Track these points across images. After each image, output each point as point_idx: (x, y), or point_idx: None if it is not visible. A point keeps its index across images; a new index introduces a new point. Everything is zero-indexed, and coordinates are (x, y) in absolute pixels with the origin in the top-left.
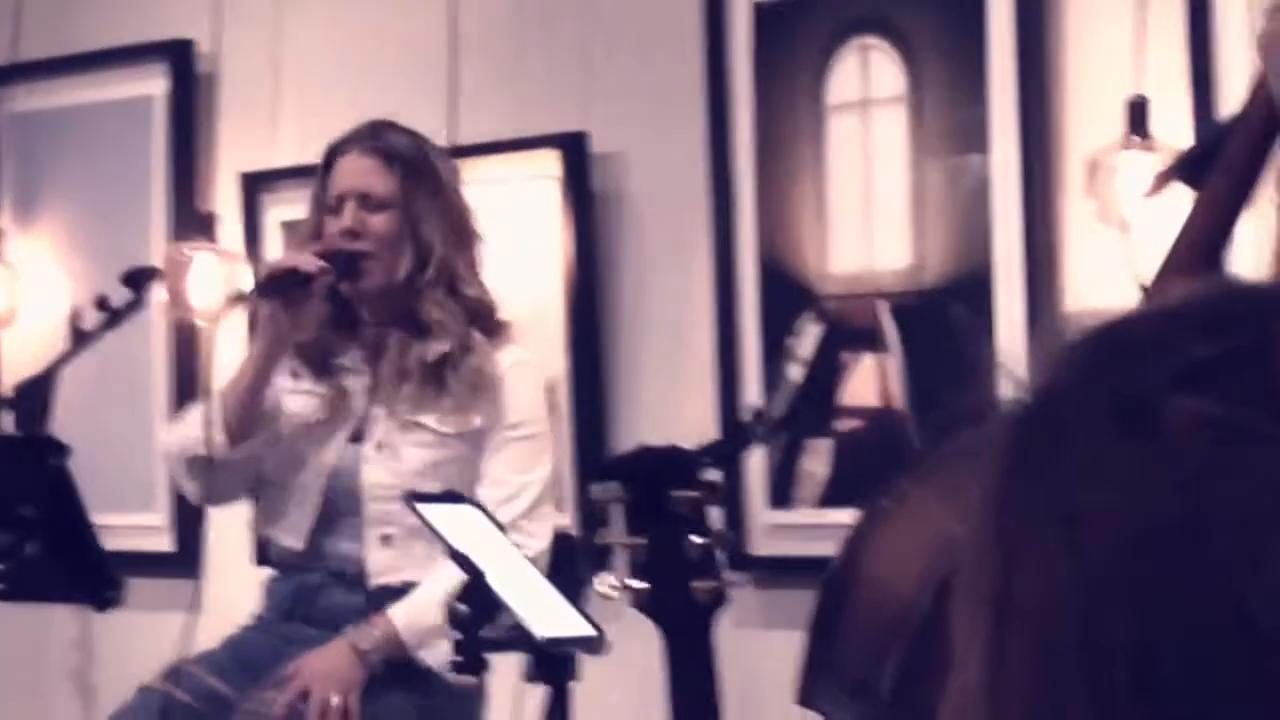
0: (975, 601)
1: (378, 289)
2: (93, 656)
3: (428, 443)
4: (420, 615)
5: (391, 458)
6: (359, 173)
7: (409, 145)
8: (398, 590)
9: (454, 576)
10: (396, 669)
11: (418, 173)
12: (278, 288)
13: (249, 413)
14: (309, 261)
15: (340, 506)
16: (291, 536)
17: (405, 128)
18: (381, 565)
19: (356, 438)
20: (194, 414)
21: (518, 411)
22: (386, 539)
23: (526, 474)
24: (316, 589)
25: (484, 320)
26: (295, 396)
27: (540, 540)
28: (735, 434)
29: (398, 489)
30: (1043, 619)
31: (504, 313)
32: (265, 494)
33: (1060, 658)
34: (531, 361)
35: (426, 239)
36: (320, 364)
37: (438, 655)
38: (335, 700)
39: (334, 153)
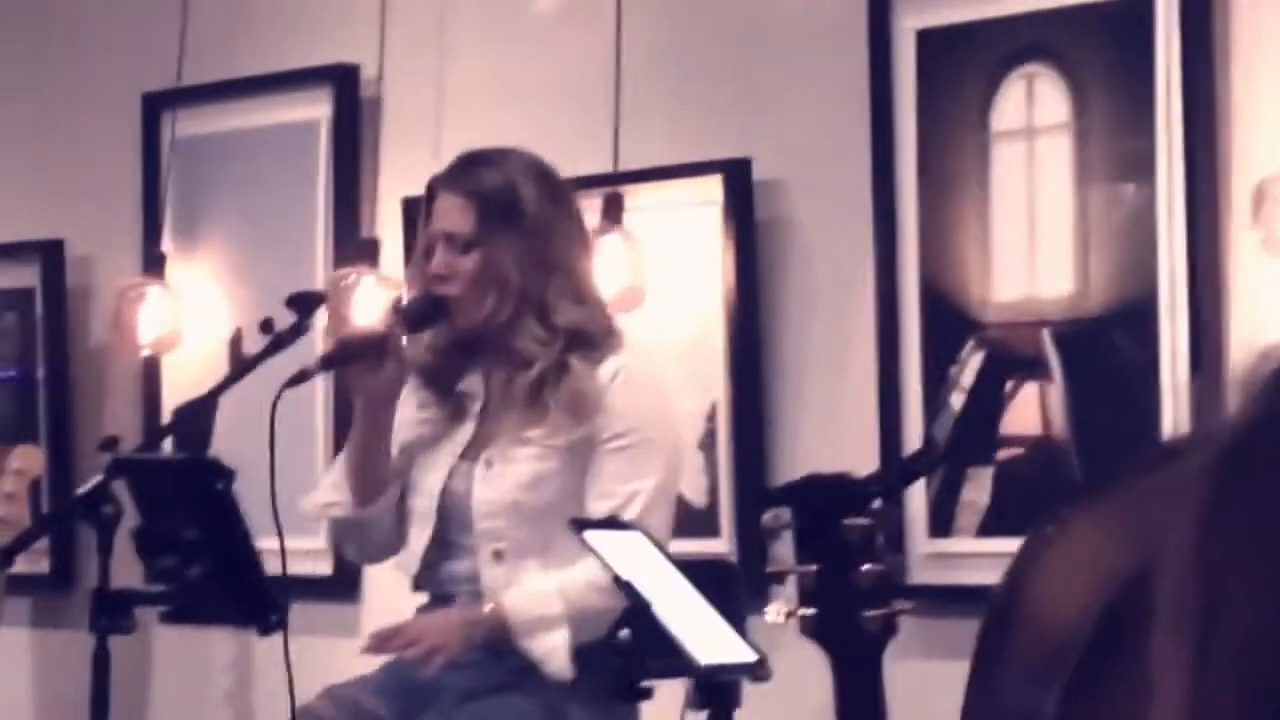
0: (1176, 633)
1: (469, 328)
2: (250, 679)
3: (534, 456)
4: (533, 603)
5: (500, 475)
6: (446, 213)
7: (493, 178)
8: None
9: (578, 578)
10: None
11: (498, 207)
12: (337, 361)
13: (369, 473)
14: (366, 328)
15: (455, 530)
16: (410, 562)
17: (500, 155)
18: (496, 581)
19: (467, 457)
20: (326, 478)
21: (620, 421)
22: (498, 554)
23: (632, 482)
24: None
25: (583, 341)
26: (419, 426)
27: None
28: (905, 463)
29: (505, 504)
30: (1249, 654)
31: (611, 325)
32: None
33: (1268, 696)
34: (636, 366)
35: (506, 275)
36: (445, 389)
37: (546, 649)
38: (415, 653)
39: (431, 191)
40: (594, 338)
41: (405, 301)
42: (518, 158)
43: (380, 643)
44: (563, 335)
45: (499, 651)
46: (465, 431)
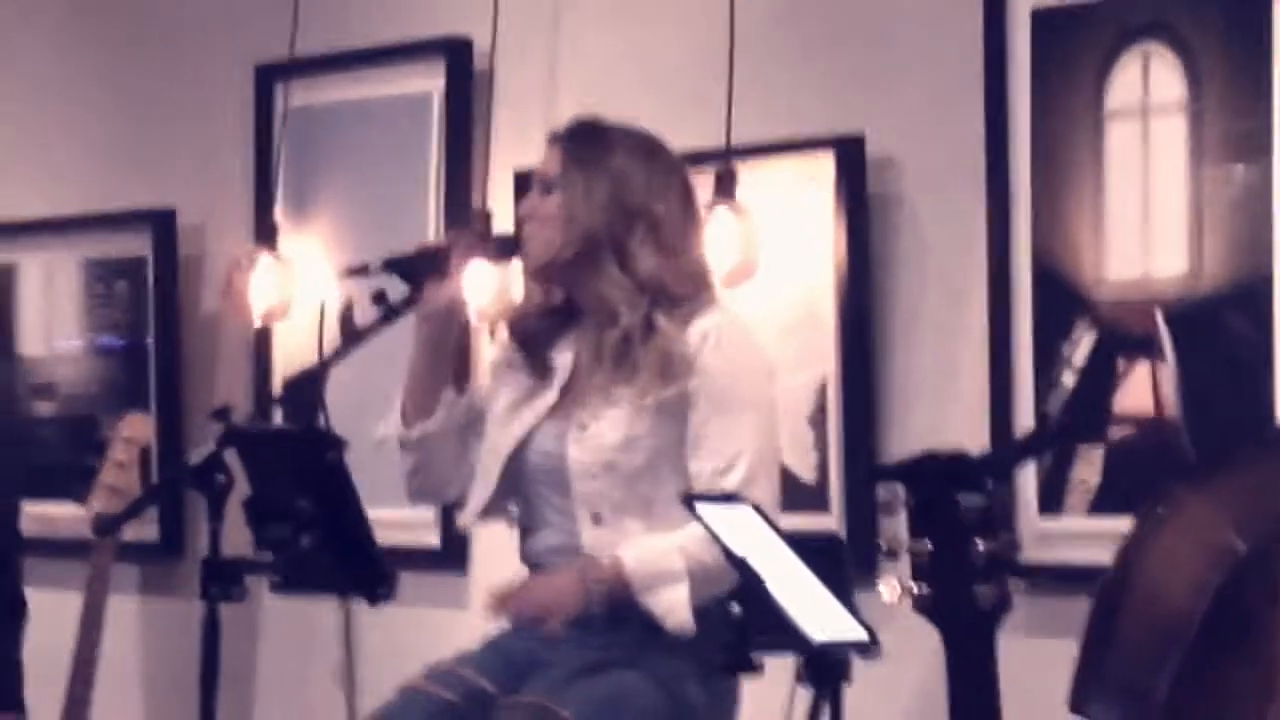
0: None
1: (539, 265)
2: (356, 650)
3: (625, 416)
4: (652, 558)
5: (594, 435)
6: (547, 161)
7: (586, 127)
8: None
9: (696, 534)
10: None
11: (583, 152)
12: (399, 265)
13: (417, 394)
14: (435, 243)
15: (547, 493)
16: (466, 517)
17: (606, 120)
18: (598, 543)
19: (554, 418)
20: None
21: (713, 382)
22: (598, 518)
23: (738, 442)
24: None
25: (667, 296)
26: (502, 383)
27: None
28: (1022, 442)
29: (600, 464)
30: None
31: (701, 283)
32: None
33: None
34: (727, 326)
35: (578, 214)
36: (536, 354)
37: (667, 605)
38: (535, 612)
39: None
40: (679, 293)
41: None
42: (620, 124)
43: (501, 603)
44: (646, 288)
45: (607, 625)
46: (547, 398)
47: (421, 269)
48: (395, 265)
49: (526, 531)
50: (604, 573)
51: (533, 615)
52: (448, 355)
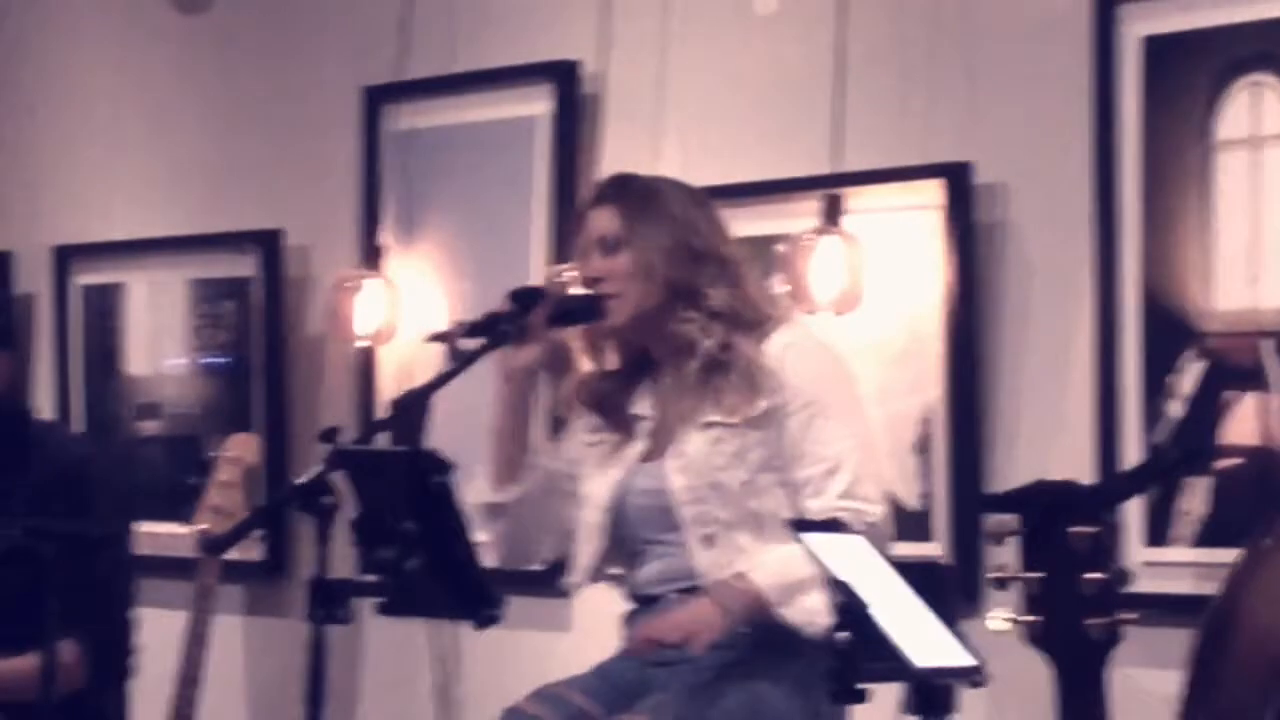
0: None
1: (629, 322)
2: (459, 672)
3: (719, 437)
4: (781, 569)
5: (693, 460)
6: (595, 222)
7: (634, 184)
8: None
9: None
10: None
11: (642, 206)
12: (478, 329)
13: (504, 455)
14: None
15: (649, 532)
16: (577, 576)
17: (639, 175)
18: (710, 564)
19: (649, 460)
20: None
21: (801, 393)
22: (709, 539)
23: (837, 444)
24: (671, 610)
25: (742, 322)
26: (589, 447)
27: (878, 504)
28: (1133, 472)
29: (706, 487)
30: None
31: (771, 307)
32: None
33: None
34: (804, 338)
35: (654, 265)
36: (616, 413)
37: (806, 613)
38: (678, 638)
39: (580, 218)
40: (753, 319)
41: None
42: (656, 177)
43: (643, 638)
44: (721, 318)
45: (718, 645)
46: (636, 447)
47: (500, 328)
48: (474, 329)
49: (629, 571)
50: (738, 594)
51: (676, 640)
52: (529, 417)
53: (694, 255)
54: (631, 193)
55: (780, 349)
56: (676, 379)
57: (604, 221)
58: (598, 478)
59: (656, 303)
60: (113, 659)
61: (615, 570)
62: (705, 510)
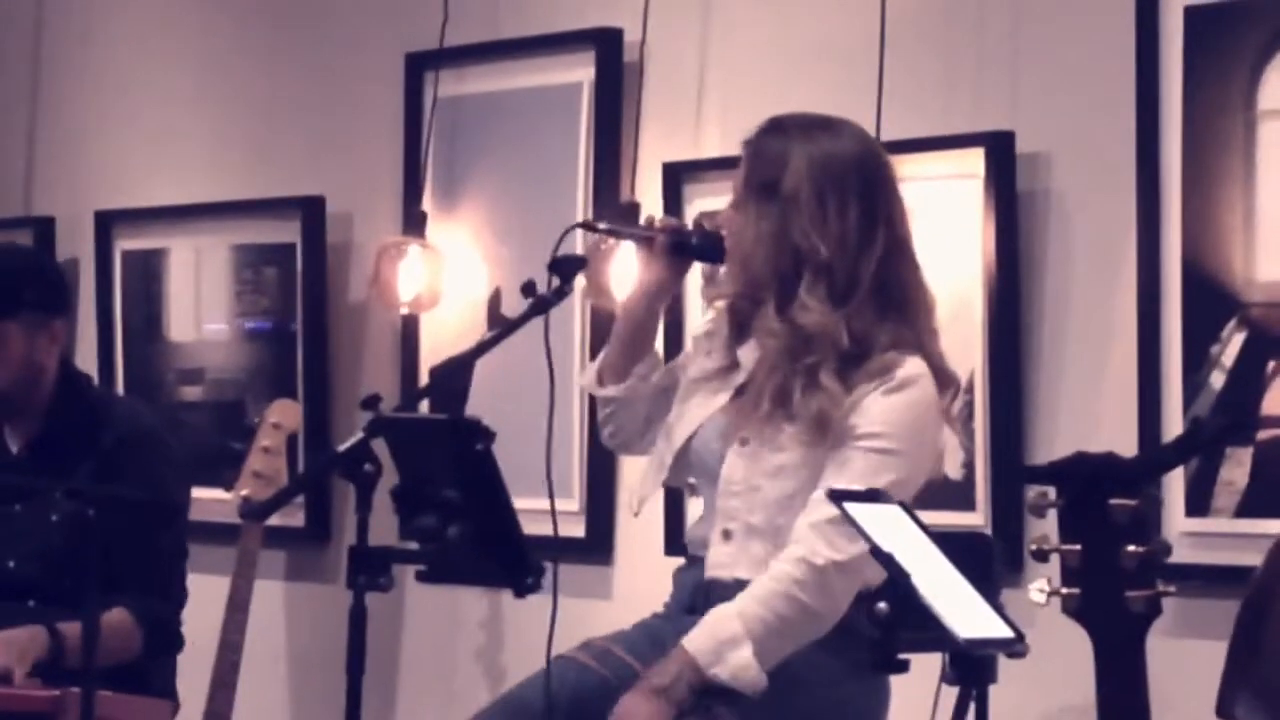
0: None
1: (743, 296)
2: (501, 639)
3: (781, 446)
4: (709, 632)
5: (749, 457)
6: (740, 171)
7: (775, 141)
8: (726, 585)
9: (753, 593)
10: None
11: (760, 172)
12: (616, 232)
13: (613, 356)
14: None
15: (707, 485)
16: (632, 500)
17: (823, 121)
18: (719, 558)
19: (725, 421)
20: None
21: (872, 424)
22: (727, 534)
23: (866, 482)
24: (712, 582)
25: (836, 353)
26: (700, 360)
27: (839, 553)
28: (1174, 444)
29: (747, 487)
30: None
31: (886, 351)
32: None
33: None
34: (906, 378)
35: (746, 248)
36: (737, 335)
37: (732, 669)
38: None
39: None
40: (850, 352)
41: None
42: (841, 127)
43: None
44: (803, 338)
45: None
46: (721, 396)
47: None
48: (613, 230)
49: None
50: (673, 674)
51: None
52: (647, 333)
53: (795, 254)
54: (761, 146)
55: (876, 376)
56: (765, 375)
57: (739, 174)
58: (683, 404)
59: (744, 286)
60: (166, 629)
61: (687, 481)
62: (736, 507)
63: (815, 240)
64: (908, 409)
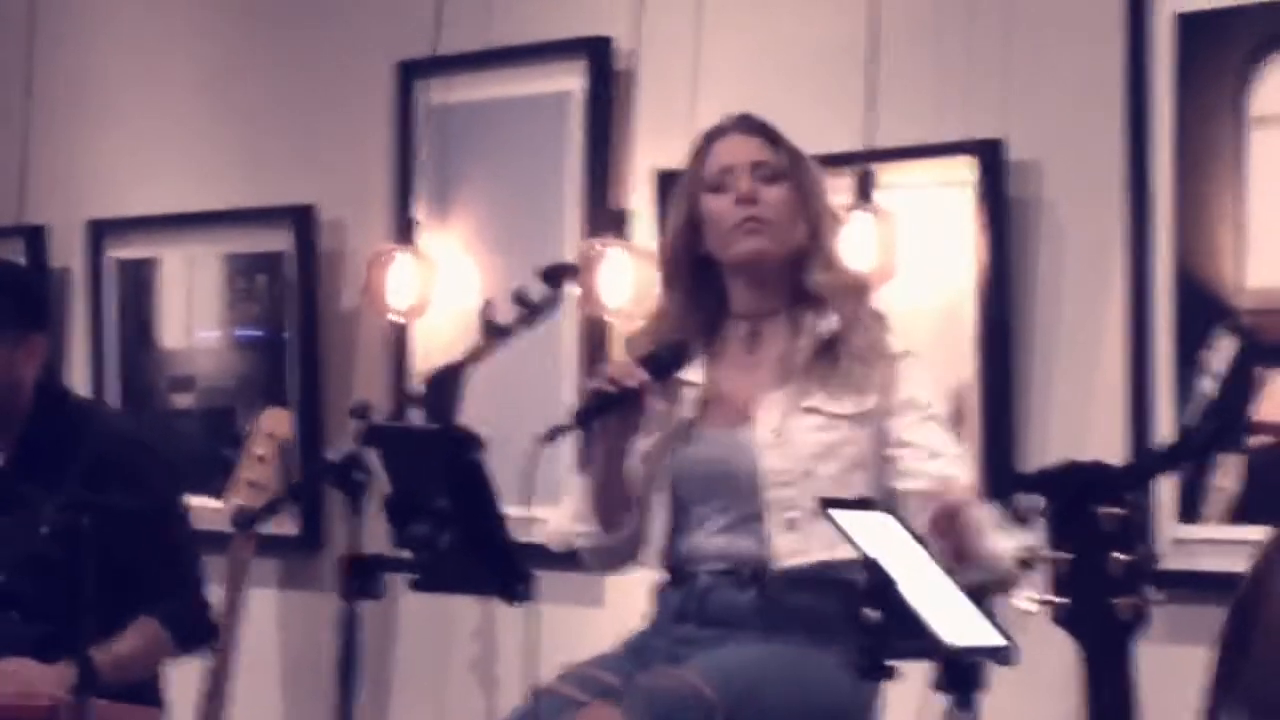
0: None
1: (768, 254)
2: (495, 648)
3: (821, 426)
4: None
5: (787, 443)
6: (748, 148)
7: (782, 134)
8: (805, 571)
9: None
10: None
11: (799, 152)
12: (597, 414)
13: (614, 501)
14: (626, 379)
15: (733, 503)
16: (655, 554)
17: None
18: (788, 548)
19: (711, 425)
20: (566, 505)
21: (923, 394)
22: (792, 523)
23: (951, 446)
24: (708, 590)
25: (865, 298)
26: (650, 434)
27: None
28: (1161, 454)
29: (798, 474)
30: None
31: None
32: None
33: None
34: (919, 359)
35: (816, 211)
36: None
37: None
38: None
39: (710, 139)
40: (869, 296)
41: (650, 352)
42: None
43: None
44: (848, 287)
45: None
46: (685, 409)
47: (614, 407)
48: (589, 415)
49: (667, 540)
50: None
51: None
52: (625, 459)
53: (834, 217)
54: (780, 135)
55: (901, 350)
56: (787, 343)
57: (761, 150)
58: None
59: (800, 246)
60: (194, 622)
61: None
62: (793, 496)
63: (829, 211)
64: (936, 383)
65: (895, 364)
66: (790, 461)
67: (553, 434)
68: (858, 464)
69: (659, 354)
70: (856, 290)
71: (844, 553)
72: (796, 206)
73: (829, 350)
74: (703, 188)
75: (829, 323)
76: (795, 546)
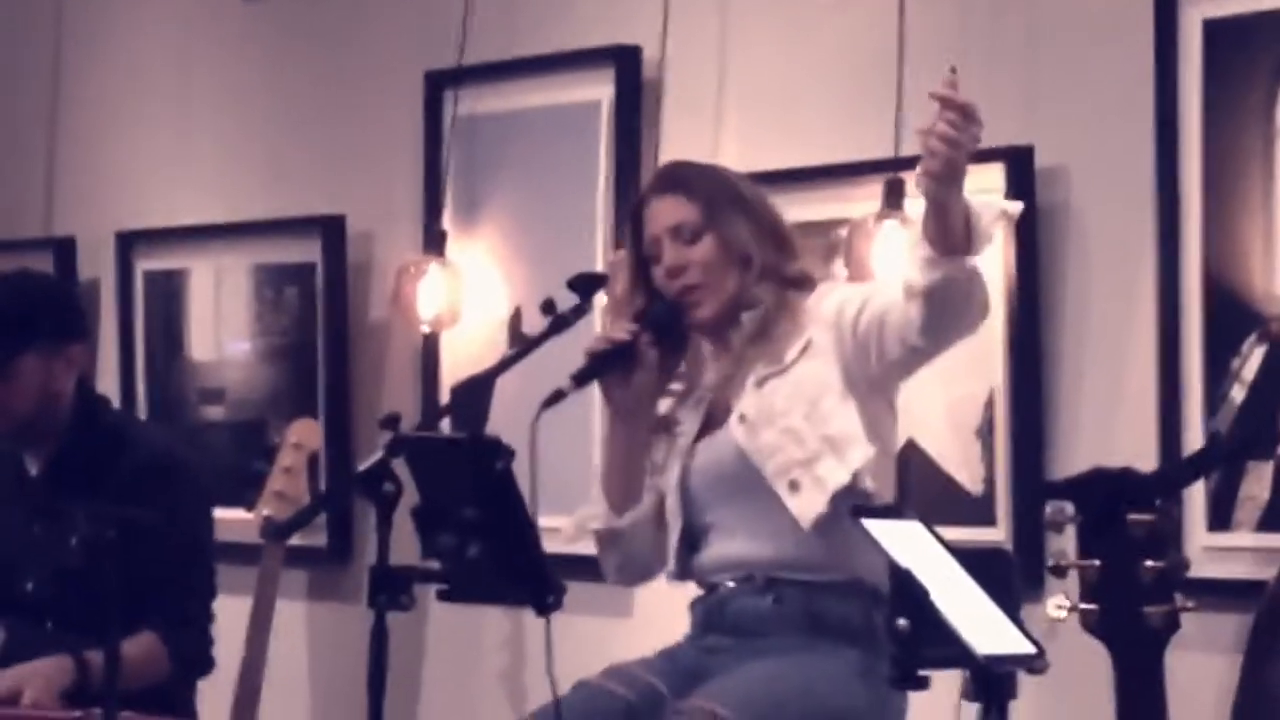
0: None
1: (715, 314)
2: (524, 658)
3: (774, 388)
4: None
5: (755, 419)
6: (665, 212)
7: (698, 172)
8: (824, 515)
9: None
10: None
11: (718, 192)
12: (594, 373)
13: (623, 482)
14: (618, 332)
15: (717, 507)
16: (675, 566)
17: (693, 162)
18: (803, 507)
19: (707, 436)
20: (592, 492)
21: (845, 292)
22: (794, 484)
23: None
24: (728, 599)
25: (798, 284)
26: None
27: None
28: (1190, 460)
29: (776, 433)
30: None
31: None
32: None
33: None
34: (834, 282)
35: (743, 250)
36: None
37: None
38: None
39: (637, 208)
40: (806, 281)
41: (642, 309)
42: (706, 163)
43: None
44: (785, 284)
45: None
46: (690, 424)
47: (610, 365)
48: (585, 376)
49: (693, 556)
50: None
51: None
52: (644, 442)
53: (770, 233)
54: (697, 179)
55: (820, 291)
56: (740, 349)
57: (677, 210)
58: (665, 470)
59: (739, 286)
60: (194, 652)
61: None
62: (784, 459)
63: (771, 217)
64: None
65: (810, 299)
66: (765, 433)
67: (553, 398)
68: (822, 390)
69: (653, 310)
70: (796, 285)
71: (843, 478)
72: (723, 254)
73: (764, 326)
74: (644, 262)
75: (770, 299)
76: (807, 502)
